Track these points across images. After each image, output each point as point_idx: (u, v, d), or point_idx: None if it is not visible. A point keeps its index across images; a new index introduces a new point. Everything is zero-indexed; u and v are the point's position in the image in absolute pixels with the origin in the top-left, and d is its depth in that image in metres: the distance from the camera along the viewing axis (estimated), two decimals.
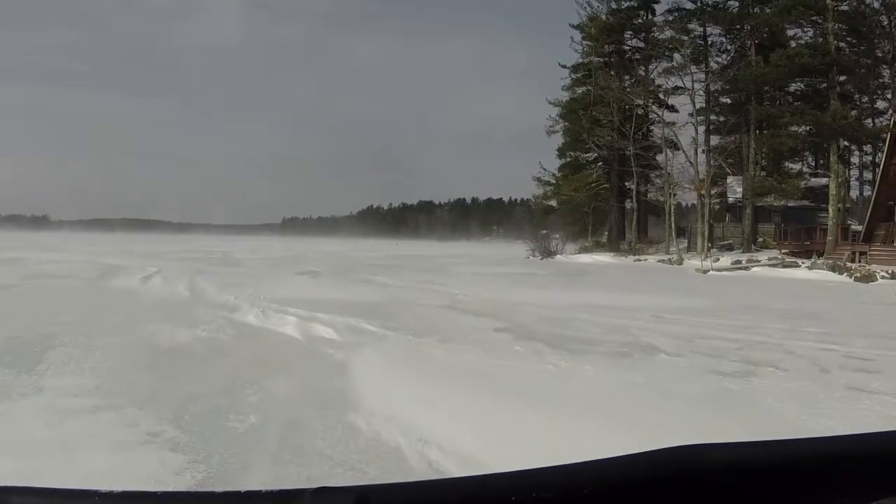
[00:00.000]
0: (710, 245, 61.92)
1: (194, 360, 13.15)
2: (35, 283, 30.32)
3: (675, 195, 68.92)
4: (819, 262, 50.26)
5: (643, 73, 76.32)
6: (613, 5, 78.36)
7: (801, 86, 67.28)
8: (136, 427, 8.40)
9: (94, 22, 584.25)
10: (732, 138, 69.65)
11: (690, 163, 65.97)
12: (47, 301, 22.83)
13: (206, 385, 10.68)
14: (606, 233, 78.34)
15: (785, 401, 9.66)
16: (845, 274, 44.99)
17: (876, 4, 62.08)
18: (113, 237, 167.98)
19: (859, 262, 48.06)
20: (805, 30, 65.21)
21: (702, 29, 70.98)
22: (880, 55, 62.77)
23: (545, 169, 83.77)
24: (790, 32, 65.87)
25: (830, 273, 46.09)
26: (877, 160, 60.27)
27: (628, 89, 73.32)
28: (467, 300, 24.57)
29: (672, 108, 74.37)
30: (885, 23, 61.59)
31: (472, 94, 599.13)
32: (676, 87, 72.51)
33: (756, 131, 65.96)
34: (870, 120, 65.18)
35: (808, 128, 63.99)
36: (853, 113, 62.86)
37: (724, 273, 49.93)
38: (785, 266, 50.71)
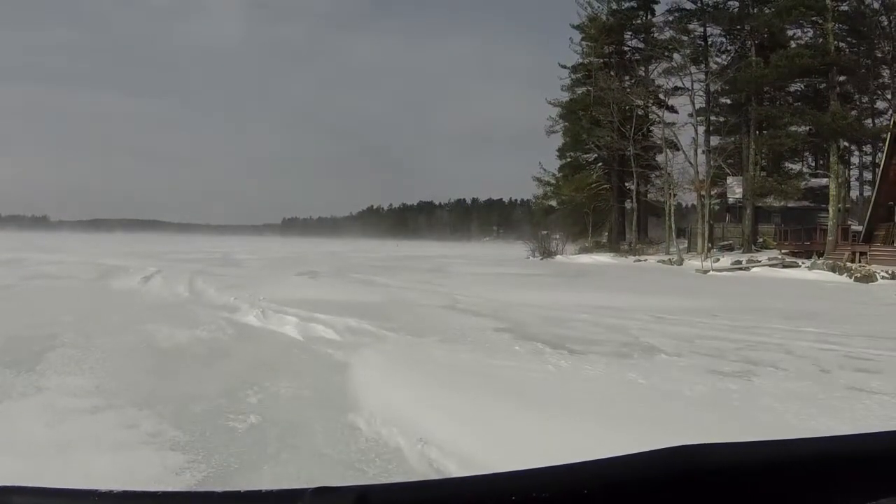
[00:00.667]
0: (710, 245, 61.87)
1: (194, 360, 13.12)
2: (35, 283, 30.39)
3: (675, 196, 68.81)
4: (819, 262, 50.20)
5: (643, 74, 76.26)
6: (613, 6, 78.36)
7: (801, 86, 67.15)
8: (137, 427, 8.40)
9: (93, 22, 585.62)
10: (732, 139, 69.51)
11: (690, 163, 65.95)
12: (47, 301, 22.83)
13: (206, 385, 10.67)
14: (606, 233, 78.28)
15: (785, 401, 9.65)
16: (845, 274, 44.96)
17: (876, 5, 62.16)
18: (113, 238, 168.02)
19: (859, 262, 47.99)
20: (805, 30, 65.22)
21: (702, 29, 70.94)
22: (880, 55, 62.79)
23: (545, 169, 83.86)
24: (790, 33, 65.86)
25: (830, 273, 46.06)
26: (877, 160, 60.24)
27: (628, 90, 73.20)
28: (467, 300, 24.57)
29: (672, 109, 74.36)
30: (885, 23, 61.60)
31: (472, 94, 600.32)
32: (676, 88, 72.55)
33: (756, 132, 65.90)
34: (870, 120, 65.18)
35: (807, 128, 63.88)
36: (853, 113, 62.79)
37: (724, 273, 49.88)
38: (785, 266, 50.66)
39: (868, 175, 68.48)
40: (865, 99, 66.85)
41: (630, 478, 1.46)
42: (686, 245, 67.64)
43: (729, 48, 71.16)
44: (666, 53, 71.94)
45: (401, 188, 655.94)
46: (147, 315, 19.23)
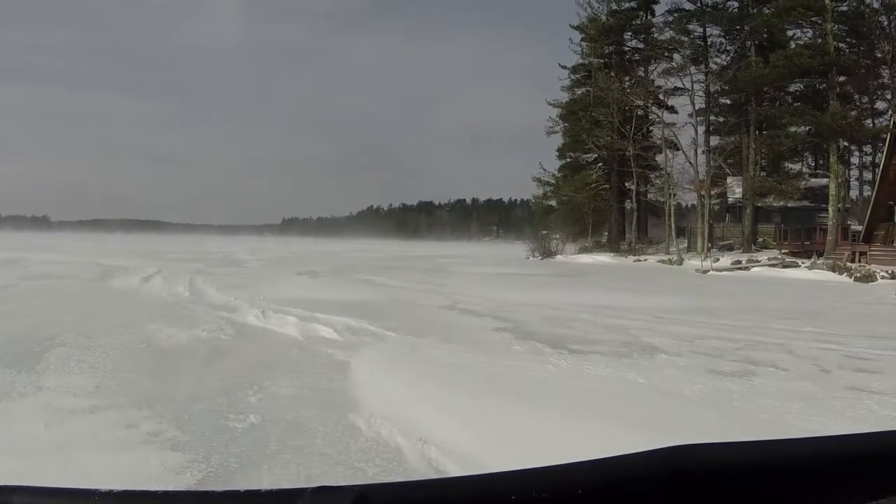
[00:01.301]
0: (710, 245, 61.88)
1: (194, 360, 13.10)
2: (35, 283, 30.40)
3: (674, 196, 68.81)
4: (819, 262, 50.25)
5: (643, 74, 76.15)
6: (613, 6, 78.18)
7: (801, 86, 67.08)
8: (136, 427, 8.39)
9: (93, 21, 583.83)
10: (732, 139, 69.55)
11: (690, 163, 65.98)
12: (48, 301, 22.82)
13: (206, 385, 10.67)
14: (606, 233, 78.29)
15: (785, 400, 9.67)
16: (845, 274, 44.99)
17: (875, 5, 62.10)
18: (113, 238, 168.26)
19: (859, 262, 48.02)
20: (804, 30, 65.16)
21: (701, 29, 70.94)
22: (880, 56, 62.64)
23: (545, 169, 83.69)
24: (790, 33, 65.84)
25: (830, 273, 46.08)
26: (876, 160, 60.30)
27: (628, 90, 73.13)
28: (467, 300, 24.59)
29: (672, 109, 74.36)
30: (885, 23, 61.52)
31: (473, 94, 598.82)
32: (676, 88, 72.37)
33: (756, 132, 65.88)
34: (869, 120, 65.16)
35: (807, 128, 63.89)
36: (853, 113, 62.68)
37: (724, 273, 49.93)
38: (785, 266, 50.70)
39: (868, 175, 68.55)
40: (865, 99, 66.80)
41: (628, 477, 1.46)
42: (686, 245, 67.59)
43: (728, 48, 71.16)
44: (666, 54, 71.92)
45: (401, 188, 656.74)
46: (147, 315, 19.20)
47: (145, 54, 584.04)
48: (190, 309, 21.04)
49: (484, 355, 13.24)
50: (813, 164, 74.21)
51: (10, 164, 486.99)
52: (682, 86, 70.22)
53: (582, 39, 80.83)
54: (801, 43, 63.98)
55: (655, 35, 75.30)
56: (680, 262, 59.82)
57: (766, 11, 64.17)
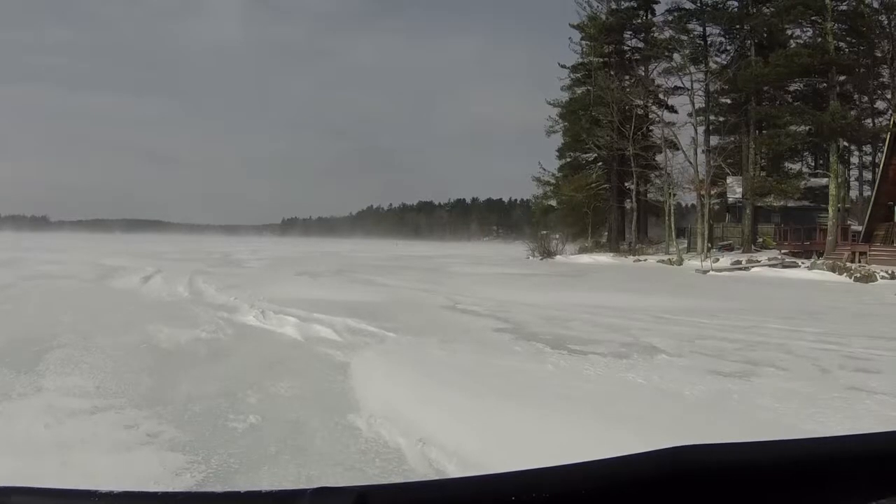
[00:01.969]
0: (709, 245, 61.82)
1: (194, 360, 13.12)
2: (35, 283, 30.39)
3: (674, 195, 68.79)
4: (819, 262, 50.25)
5: (643, 74, 76.12)
6: (613, 5, 78.16)
7: (801, 86, 67.05)
8: (136, 428, 8.40)
9: (94, 21, 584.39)
10: (732, 138, 69.62)
11: (690, 163, 65.92)
12: (47, 302, 22.89)
13: (205, 386, 10.65)
14: (606, 233, 78.26)
15: (784, 401, 9.65)
16: (845, 274, 44.98)
17: (875, 4, 62.07)
18: (113, 238, 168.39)
19: (859, 262, 47.99)
20: (804, 30, 65.14)
21: (701, 29, 70.91)
22: (879, 55, 62.67)
23: (545, 169, 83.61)
24: (789, 32, 65.82)
25: (830, 273, 46.07)
26: (876, 160, 60.32)
27: (628, 89, 73.13)
28: (467, 301, 24.57)
29: (671, 109, 74.50)
30: (885, 23, 61.52)
31: (472, 94, 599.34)
32: (676, 88, 72.52)
33: (756, 131, 65.90)
34: (869, 120, 65.20)
35: (807, 128, 63.85)
36: (852, 113, 62.74)
37: (724, 273, 49.90)
38: (785, 266, 50.72)
39: (868, 175, 68.58)
40: (865, 99, 66.83)
41: (629, 478, 1.46)
42: (686, 245, 67.59)
43: (728, 48, 71.27)
44: (666, 53, 72.03)
45: (400, 188, 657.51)
46: (147, 315, 19.20)
47: (146, 54, 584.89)
48: (190, 309, 21.06)
49: (484, 356, 13.22)
50: (813, 164, 74.25)
51: (10, 163, 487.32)
52: (681, 85, 70.42)
53: (582, 38, 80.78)
54: (801, 42, 64.00)
55: (655, 34, 75.41)
56: (680, 262, 59.83)
57: (766, 11, 64.18)
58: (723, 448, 1.56)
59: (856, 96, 66.88)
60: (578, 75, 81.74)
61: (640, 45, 78.64)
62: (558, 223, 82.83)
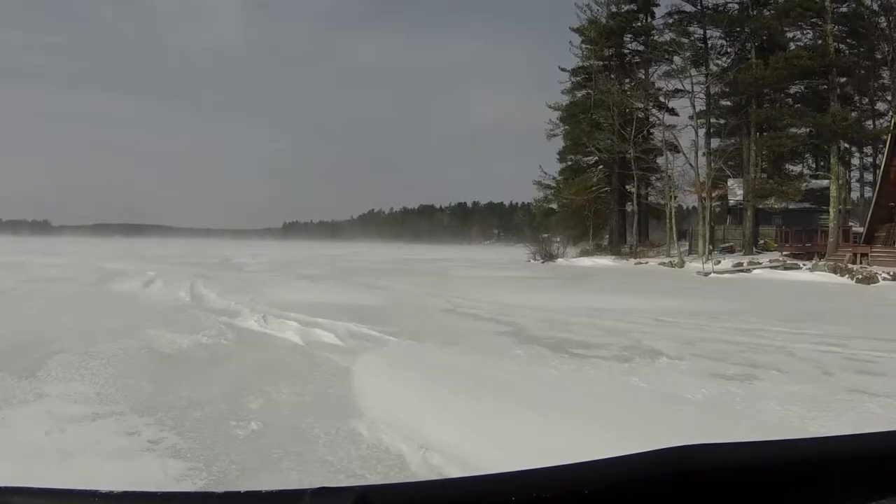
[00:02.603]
0: (711, 247, 61.72)
1: (195, 365, 13.05)
2: (35, 287, 30.40)
3: (675, 198, 68.81)
4: (820, 263, 50.25)
5: (643, 77, 76.18)
6: (613, 9, 77.97)
7: (801, 88, 66.97)
8: (137, 434, 8.35)
9: (93, 24, 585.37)
10: (732, 141, 69.56)
11: (691, 165, 65.77)
12: (48, 306, 22.84)
13: (207, 391, 10.57)
14: (607, 236, 78.26)
15: (787, 404, 9.65)
16: (847, 276, 44.98)
17: (875, 6, 62.09)
18: (114, 242, 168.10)
19: (860, 263, 48.05)
20: (804, 32, 65.18)
21: (702, 32, 70.96)
22: (880, 57, 62.67)
23: (546, 172, 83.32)
24: (789, 35, 65.83)
25: (832, 275, 46.06)
26: (877, 162, 60.42)
27: (628, 93, 73.04)
28: (468, 304, 24.61)
29: (672, 112, 74.33)
30: (884, 24, 61.53)
31: (472, 97, 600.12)
32: (677, 90, 72.18)
33: (756, 133, 65.89)
34: (870, 122, 65.17)
35: (807, 130, 63.88)
36: (853, 115, 62.75)
37: (726, 276, 49.89)
38: (786, 268, 50.74)
39: (869, 176, 68.64)
40: (865, 100, 66.79)
41: (630, 478, 1.46)
42: (687, 247, 67.54)
43: (729, 50, 71.48)
44: (666, 56, 71.92)
45: (401, 191, 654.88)
46: (148, 320, 19.11)
47: (146, 56, 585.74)
48: (191, 314, 20.96)
49: (485, 359, 13.24)
50: (814, 166, 74.18)
51: (11, 167, 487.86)
52: (682, 88, 70.22)
53: (582, 42, 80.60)
54: (801, 45, 64.08)
55: (656, 37, 75.29)
56: (681, 264, 59.76)
57: (766, 13, 64.28)
58: (723, 448, 1.56)
59: (856, 98, 66.81)
60: (579, 79, 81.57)
61: (641, 48, 78.59)
62: (559, 226, 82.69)
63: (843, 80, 63.36)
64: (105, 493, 1.37)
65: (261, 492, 1.40)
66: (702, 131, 69.04)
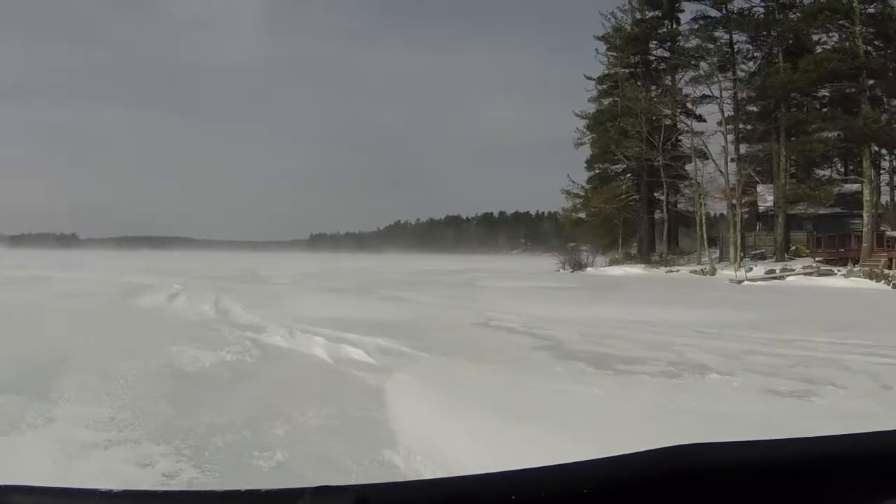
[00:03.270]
0: (742, 255, 61.22)
1: (218, 386, 12.43)
2: (58, 303, 29.95)
3: (704, 205, 68.34)
4: (855, 269, 49.64)
5: (670, 83, 75.80)
6: (638, 16, 78.08)
7: (829, 92, 66.41)
8: (152, 466, 7.71)
9: (117, 41, 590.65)
10: (760, 146, 69.05)
11: (721, 171, 65.62)
12: (67, 321, 22.46)
13: (229, 415, 9.92)
14: (637, 244, 77.89)
15: (852, 420, 8.95)
16: (883, 281, 44.48)
17: None
18: (140, 255, 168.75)
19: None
20: (830, 35, 64.58)
21: (728, 36, 70.51)
22: None
23: (573, 181, 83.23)
24: (815, 37, 65.29)
25: (867, 281, 45.49)
26: None
27: (655, 99, 72.68)
28: (500, 317, 23.95)
29: (700, 118, 73.94)
30: None
31: (497, 107, 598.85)
32: (704, 96, 72.19)
33: (786, 138, 65.28)
34: None
35: (837, 133, 63.27)
36: (884, 117, 62.08)
37: (759, 283, 49.41)
38: (820, 275, 50.20)
39: None
40: (894, 102, 66.06)
41: (628, 477, 1.50)
42: (717, 255, 66.96)
43: (755, 55, 70.91)
44: (692, 62, 71.60)
45: (427, 202, 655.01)
46: (170, 336, 18.54)
47: (170, 73, 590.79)
48: (215, 329, 20.43)
49: (524, 377, 12.58)
50: (842, 170, 73.61)
51: (39, 182, 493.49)
52: (709, 94, 69.96)
53: (607, 49, 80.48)
54: (828, 47, 63.53)
55: (681, 43, 75.04)
56: (712, 272, 59.29)
57: (793, 16, 63.74)
58: (721, 447, 1.61)
59: (885, 100, 66.07)
60: (605, 86, 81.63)
61: (666, 54, 78.47)
62: (587, 235, 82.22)
63: (871, 82, 62.61)
64: (104, 491, 1.40)
65: (261, 491, 1.43)
66: (730, 137, 68.64)
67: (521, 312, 25.41)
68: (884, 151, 68.13)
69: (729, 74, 69.56)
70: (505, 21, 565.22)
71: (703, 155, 68.97)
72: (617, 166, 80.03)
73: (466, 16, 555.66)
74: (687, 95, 74.49)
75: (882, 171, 70.49)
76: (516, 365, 14.10)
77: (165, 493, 1.50)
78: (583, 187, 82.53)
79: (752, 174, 63.99)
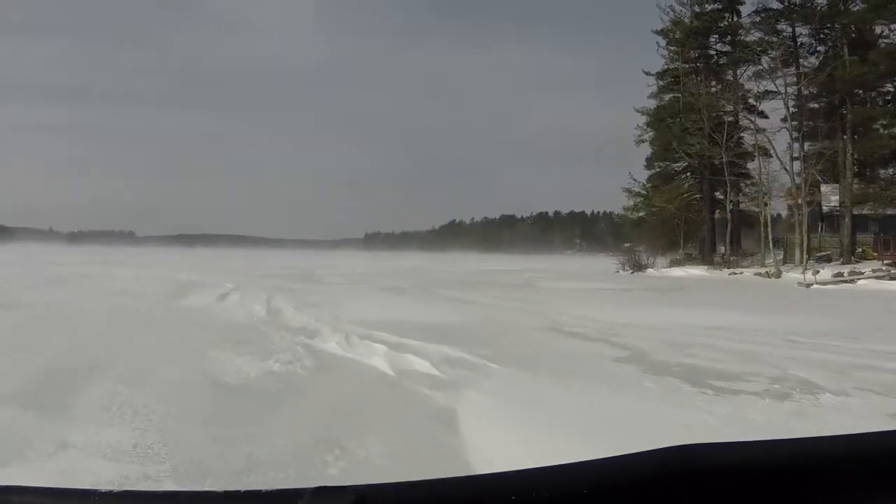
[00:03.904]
0: (807, 256, 59.52)
1: (264, 404, 10.76)
2: (102, 301, 28.95)
3: (767, 205, 66.73)
4: None
5: (731, 78, 74.34)
6: (697, 9, 76.66)
7: (892, 87, 64.71)
8: None
9: (176, 43, 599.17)
10: (824, 143, 67.30)
11: (786, 170, 64.04)
12: (108, 322, 21.23)
13: (274, 442, 8.29)
14: (698, 245, 76.42)
15: None
16: None
17: None
18: (194, 253, 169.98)
19: None
20: (892, 27, 62.78)
21: (790, 29, 68.93)
22: None
23: (635, 179, 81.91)
24: (878, 30, 63.70)
25: None
26: None
27: (719, 95, 71.24)
28: (568, 321, 22.47)
29: (762, 114, 72.26)
30: None
31: (552, 104, 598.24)
32: (766, 92, 70.60)
33: (851, 136, 63.52)
34: None
35: None
36: None
37: (830, 287, 47.67)
38: (892, 278, 48.45)
39: None
40: None
41: (628, 477, 1.47)
42: (781, 256, 65.21)
43: (818, 49, 69.11)
44: (754, 56, 70.08)
45: (482, 202, 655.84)
46: (216, 339, 17.22)
47: (225, 72, 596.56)
48: (264, 333, 18.91)
49: (614, 396, 11.04)
50: None
51: (101, 181, 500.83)
52: (772, 89, 68.28)
53: (667, 44, 79.23)
54: (889, 41, 61.90)
55: (742, 37, 73.71)
56: (777, 274, 57.75)
57: (857, 8, 62.07)
58: (721, 447, 1.59)
59: None
60: (665, 82, 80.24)
61: (727, 48, 77.01)
62: (644, 235, 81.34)
63: None
64: (104, 492, 1.38)
65: (261, 491, 1.41)
66: (795, 134, 66.84)
67: (590, 317, 24.02)
68: None
69: (792, 69, 67.81)
70: (561, 17, 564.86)
71: (766, 153, 67.54)
72: (678, 164, 78.88)
73: (522, 12, 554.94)
74: (749, 91, 73.09)
75: None
76: (604, 381, 12.42)
77: (166, 493, 1.55)
78: (644, 186, 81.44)
79: (815, 173, 62.22)
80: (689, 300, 35.43)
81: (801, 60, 69.12)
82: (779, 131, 67.90)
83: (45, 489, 1.38)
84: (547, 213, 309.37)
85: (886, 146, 61.25)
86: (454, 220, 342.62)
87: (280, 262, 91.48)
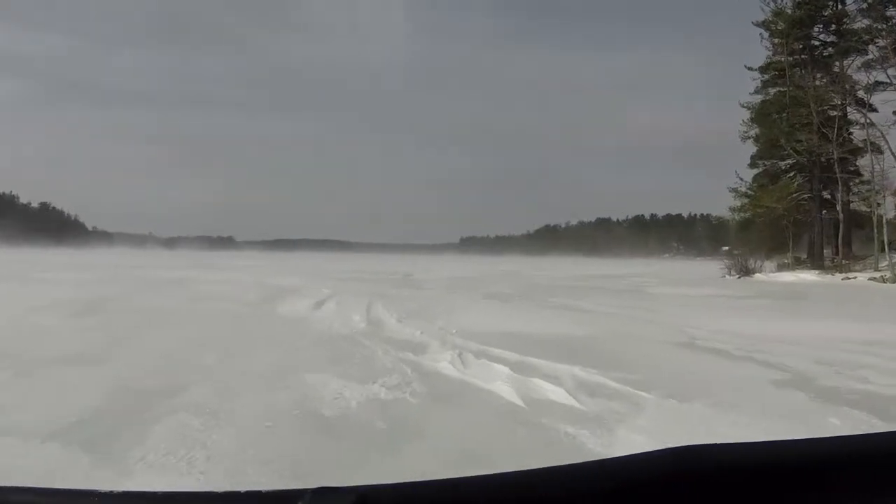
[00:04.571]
0: None
1: (368, 445, 8.45)
2: (191, 307, 27.91)
3: (881, 204, 64.09)
4: None
5: (838, 70, 71.63)
6: None
7: None
8: None
9: (265, 50, 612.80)
10: None
11: None
12: (194, 334, 19.49)
13: None
14: (808, 247, 74.23)
15: None
16: None
17: None
18: (291, 257, 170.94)
19: None
20: None
21: None
22: None
23: (742, 179, 79.74)
24: None
25: None
26: None
27: (828, 88, 68.70)
28: (699, 334, 20.20)
29: (872, 107, 69.47)
30: None
31: (646, 107, 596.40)
32: (877, 83, 67.87)
33: None
34: None
35: None
36: None
37: None
38: None
39: None
40: None
41: (635, 478, 1.49)
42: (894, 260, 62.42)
43: None
44: (862, 45, 67.75)
45: (577, 205, 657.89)
46: (311, 356, 15.27)
47: (318, 80, 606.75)
48: (366, 347, 16.69)
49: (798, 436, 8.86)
50: None
51: (202, 188, 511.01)
52: (883, 80, 65.56)
53: (770, 35, 77.18)
54: None
55: (848, 25, 71.67)
56: (894, 279, 54.90)
57: None
58: (728, 448, 1.61)
59: None
60: (768, 76, 78.66)
61: (832, 38, 74.92)
62: (745, 238, 79.12)
63: None
64: (105, 492, 1.40)
65: (261, 492, 1.42)
66: None
67: (718, 328, 21.79)
68: None
69: None
70: (654, 17, 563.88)
71: (878, 149, 65.32)
72: (784, 162, 76.83)
73: (616, 15, 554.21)
74: (857, 82, 70.67)
75: None
76: (782, 415, 10.17)
77: (167, 493, 1.38)
78: (749, 186, 79.31)
79: None
80: (816, 309, 32.98)
81: None
82: (893, 124, 65.32)
83: (46, 489, 1.42)
84: (643, 215, 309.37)
85: None
86: (549, 224, 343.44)
87: (377, 267, 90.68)
